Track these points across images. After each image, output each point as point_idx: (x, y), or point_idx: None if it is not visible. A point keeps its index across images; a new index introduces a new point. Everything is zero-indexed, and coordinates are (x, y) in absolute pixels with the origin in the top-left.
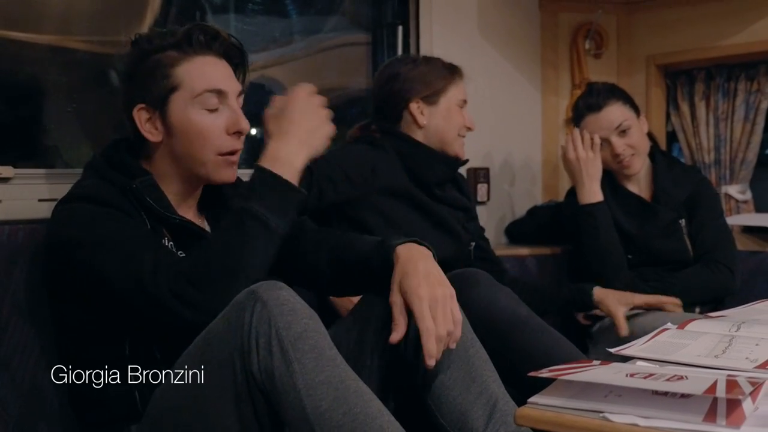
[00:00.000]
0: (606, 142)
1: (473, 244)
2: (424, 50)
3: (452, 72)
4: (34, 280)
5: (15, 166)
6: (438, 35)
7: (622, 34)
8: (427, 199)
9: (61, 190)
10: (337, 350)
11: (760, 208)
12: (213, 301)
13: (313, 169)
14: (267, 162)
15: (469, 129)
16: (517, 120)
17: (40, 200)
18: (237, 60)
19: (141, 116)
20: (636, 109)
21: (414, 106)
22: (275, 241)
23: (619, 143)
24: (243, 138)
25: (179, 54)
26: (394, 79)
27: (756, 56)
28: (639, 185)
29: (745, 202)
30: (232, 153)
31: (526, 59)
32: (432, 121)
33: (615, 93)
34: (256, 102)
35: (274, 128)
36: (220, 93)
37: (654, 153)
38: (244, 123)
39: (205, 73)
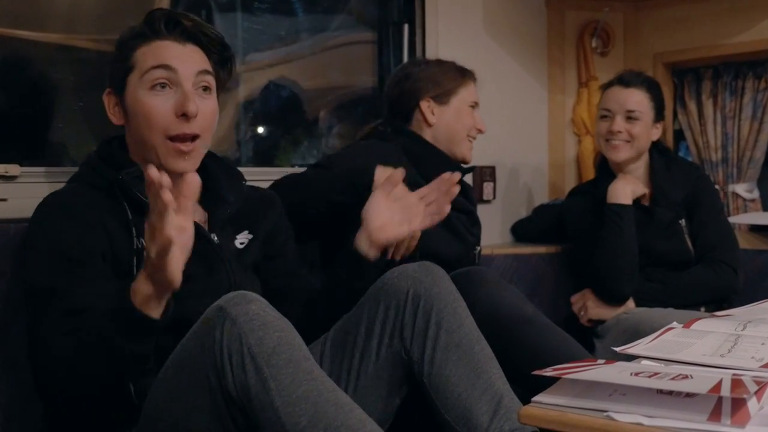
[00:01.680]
0: (611, 116)
1: (478, 248)
2: (430, 49)
3: (464, 74)
4: None
5: (21, 165)
6: (444, 34)
7: (628, 32)
8: None
9: None
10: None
11: (767, 206)
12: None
13: (331, 167)
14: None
15: (479, 131)
16: (523, 118)
17: None
18: (214, 48)
19: (109, 100)
20: (658, 113)
21: (425, 105)
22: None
23: (620, 122)
24: (197, 124)
25: (140, 39)
26: (405, 79)
27: (763, 54)
28: None
29: (753, 200)
30: (181, 139)
31: (533, 57)
32: (442, 121)
33: (650, 86)
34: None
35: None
36: (167, 69)
37: (651, 152)
38: (192, 106)
39: (156, 53)
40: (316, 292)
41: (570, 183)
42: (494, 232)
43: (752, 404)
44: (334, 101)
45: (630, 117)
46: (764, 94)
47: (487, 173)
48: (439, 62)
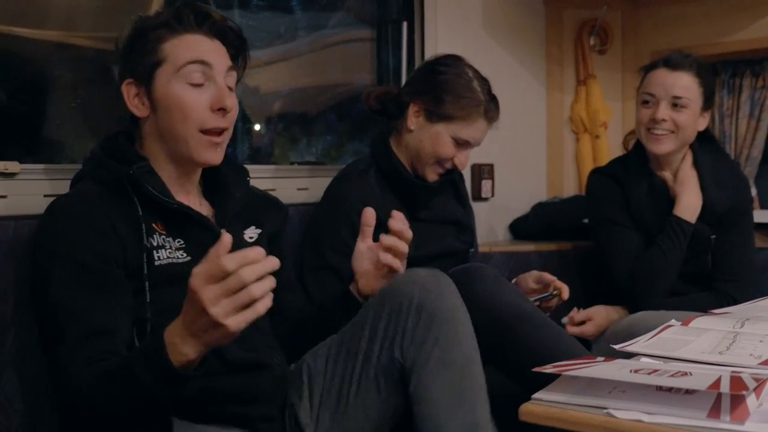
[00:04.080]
0: (655, 102)
1: (472, 250)
2: (429, 47)
3: (477, 109)
4: None
5: (20, 162)
6: (443, 32)
7: (627, 30)
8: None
9: (67, 185)
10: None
11: (765, 204)
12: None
13: (336, 206)
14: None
15: (455, 166)
16: (521, 116)
17: (45, 195)
18: (235, 43)
19: (129, 91)
20: (707, 101)
21: (413, 108)
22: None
23: (665, 110)
24: (229, 118)
25: (167, 31)
26: (433, 70)
27: (761, 52)
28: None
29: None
30: (216, 133)
31: (531, 55)
32: (417, 134)
33: (700, 69)
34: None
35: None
36: (203, 64)
37: (692, 144)
38: (230, 100)
39: (190, 47)
40: (306, 312)
41: (568, 180)
42: (493, 230)
43: (751, 401)
44: (332, 99)
45: (676, 104)
46: (762, 92)
47: (485, 171)
48: (474, 79)
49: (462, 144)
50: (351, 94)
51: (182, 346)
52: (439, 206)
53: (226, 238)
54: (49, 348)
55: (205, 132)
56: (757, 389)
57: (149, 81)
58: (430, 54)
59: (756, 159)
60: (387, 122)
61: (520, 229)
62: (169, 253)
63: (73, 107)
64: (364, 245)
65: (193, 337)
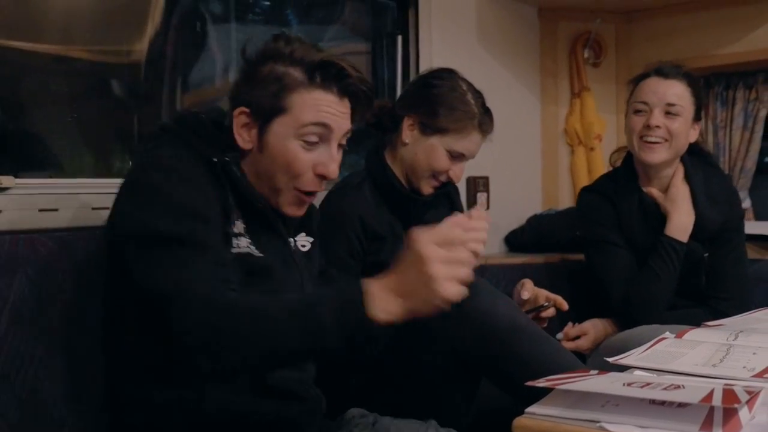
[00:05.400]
0: (647, 110)
1: None
2: (424, 60)
3: (471, 121)
4: (34, 291)
5: (15, 176)
6: (437, 45)
7: (620, 43)
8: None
9: (62, 200)
10: None
11: (759, 216)
12: (223, 372)
13: (332, 221)
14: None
15: (450, 179)
16: (516, 128)
17: (40, 210)
18: (362, 103)
19: (240, 119)
20: (698, 113)
21: (408, 122)
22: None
23: (659, 117)
24: (325, 183)
25: (302, 78)
26: (427, 84)
27: (754, 65)
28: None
29: (744, 210)
30: (310, 193)
31: (525, 68)
32: (412, 147)
33: (690, 79)
34: None
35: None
36: (325, 127)
37: (683, 157)
38: (333, 169)
39: (318, 107)
40: None
41: (563, 193)
42: (488, 242)
43: (743, 414)
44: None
45: (669, 112)
46: (755, 104)
47: (480, 183)
48: (468, 92)
49: (457, 157)
50: None
51: (385, 301)
52: (434, 219)
53: (476, 213)
54: (165, 278)
55: (298, 189)
56: (750, 402)
57: (265, 122)
58: (424, 67)
59: (750, 170)
60: (382, 136)
61: (515, 241)
62: (249, 243)
63: (68, 121)
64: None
65: (400, 296)
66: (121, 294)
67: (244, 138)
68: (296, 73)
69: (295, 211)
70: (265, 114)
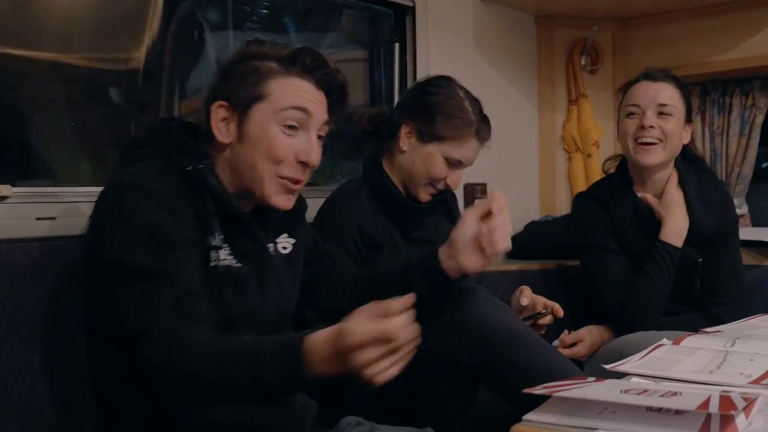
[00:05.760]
0: (640, 112)
1: None
2: (421, 68)
3: (468, 129)
4: (31, 300)
5: (13, 185)
6: (435, 52)
7: (617, 50)
8: (405, 244)
9: (59, 208)
10: None
11: (756, 222)
12: (175, 397)
13: (329, 228)
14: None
15: (447, 186)
16: (513, 135)
17: (37, 219)
18: (337, 97)
19: (218, 113)
20: (688, 115)
21: (405, 129)
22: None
23: (652, 118)
24: (308, 172)
25: (279, 68)
26: (425, 91)
27: (750, 71)
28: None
29: (741, 216)
30: (293, 181)
31: (523, 75)
32: (410, 155)
33: (678, 82)
34: None
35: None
36: (304, 112)
37: (676, 161)
38: (315, 156)
39: (297, 92)
40: (359, 277)
41: (561, 199)
42: None
43: (740, 421)
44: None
45: (662, 112)
46: (751, 110)
47: (478, 190)
48: (465, 99)
49: (454, 164)
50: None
51: (320, 365)
52: (432, 226)
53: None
54: (137, 313)
55: (282, 177)
56: (747, 409)
57: (244, 112)
58: (422, 75)
59: (747, 177)
60: (379, 143)
61: (513, 247)
62: (227, 254)
63: (66, 129)
64: (473, 216)
65: (335, 367)
66: (99, 306)
67: (222, 132)
68: (273, 64)
69: (284, 203)
70: (244, 103)
